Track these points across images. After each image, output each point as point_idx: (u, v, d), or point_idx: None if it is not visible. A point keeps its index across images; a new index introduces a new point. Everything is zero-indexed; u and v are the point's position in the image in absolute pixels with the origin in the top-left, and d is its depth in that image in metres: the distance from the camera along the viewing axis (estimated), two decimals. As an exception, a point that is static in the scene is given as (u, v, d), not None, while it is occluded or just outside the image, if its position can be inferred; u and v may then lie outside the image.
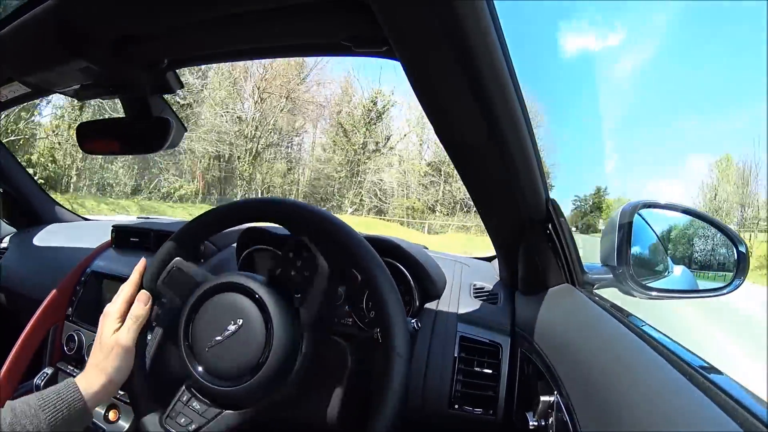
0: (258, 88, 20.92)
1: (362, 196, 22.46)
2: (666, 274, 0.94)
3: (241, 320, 0.66)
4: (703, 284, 0.93)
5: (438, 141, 0.71)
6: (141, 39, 0.77)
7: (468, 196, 0.85)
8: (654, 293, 0.85)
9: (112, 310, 0.73)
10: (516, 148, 0.68)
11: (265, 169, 21.79)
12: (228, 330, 0.66)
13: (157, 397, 0.74)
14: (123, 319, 0.72)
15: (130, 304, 0.73)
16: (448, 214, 22.76)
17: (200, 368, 0.67)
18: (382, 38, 0.62)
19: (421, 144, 23.33)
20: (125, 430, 1.00)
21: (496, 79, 0.56)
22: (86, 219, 1.87)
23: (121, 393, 0.97)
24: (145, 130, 0.93)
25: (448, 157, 0.73)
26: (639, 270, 0.85)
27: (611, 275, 0.86)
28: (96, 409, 0.70)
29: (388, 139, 23.08)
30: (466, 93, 0.57)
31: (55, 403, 0.63)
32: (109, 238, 1.36)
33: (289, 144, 23.34)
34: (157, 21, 0.69)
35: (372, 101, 22.81)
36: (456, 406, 0.87)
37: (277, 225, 0.75)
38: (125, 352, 0.70)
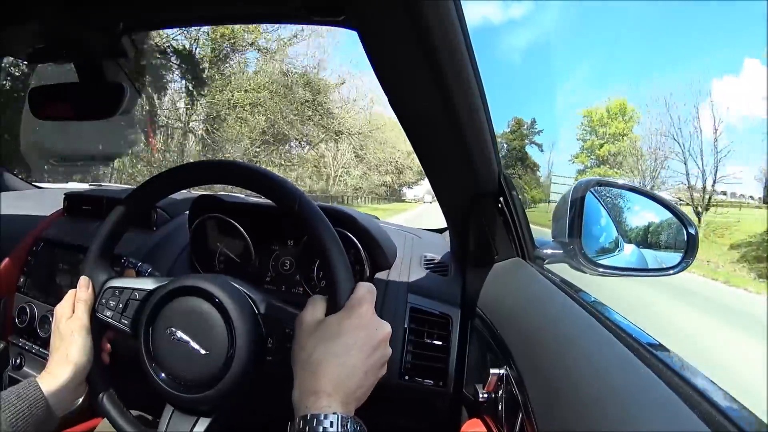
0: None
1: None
2: (616, 251, 0.95)
3: (201, 326, 0.65)
4: (652, 263, 0.95)
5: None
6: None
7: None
8: (604, 270, 0.86)
9: (60, 307, 0.73)
10: (469, 120, 0.68)
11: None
12: (189, 339, 0.65)
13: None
14: (73, 311, 0.72)
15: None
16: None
17: (162, 374, 0.66)
18: (339, 6, 0.62)
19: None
20: None
21: (451, 50, 0.56)
22: (38, 187, 1.80)
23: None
24: (99, 95, 0.90)
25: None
26: (590, 247, 0.86)
27: (562, 251, 0.87)
28: None
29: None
30: (421, 63, 0.57)
31: (15, 403, 0.62)
32: (61, 206, 1.32)
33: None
34: None
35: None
36: (406, 377, 0.88)
37: (229, 193, 0.74)
38: (83, 331, 0.70)
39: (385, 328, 0.62)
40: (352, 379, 0.56)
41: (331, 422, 0.51)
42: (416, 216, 22.19)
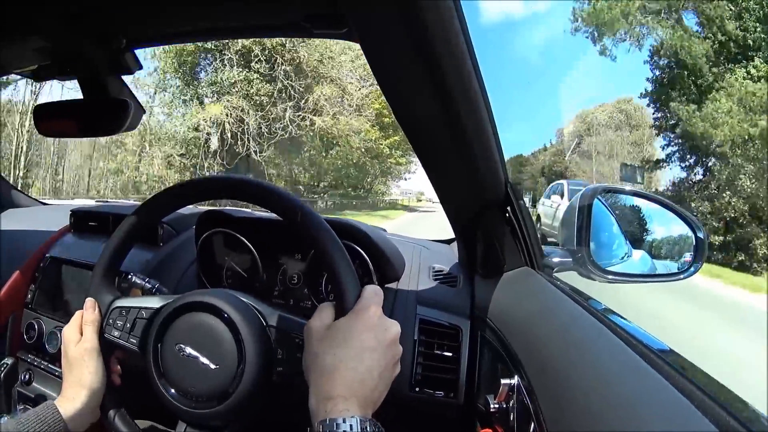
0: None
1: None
2: (625, 258, 0.95)
3: (210, 341, 0.65)
4: (661, 269, 0.94)
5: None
6: (97, 12, 0.75)
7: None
8: (613, 277, 0.86)
9: (68, 330, 0.72)
10: (475, 130, 0.68)
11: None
12: (198, 354, 0.65)
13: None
14: (81, 333, 0.72)
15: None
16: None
17: (172, 390, 0.66)
18: (341, 18, 0.62)
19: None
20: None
21: (456, 60, 0.56)
22: (44, 203, 1.80)
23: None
24: (103, 112, 0.90)
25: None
26: (598, 254, 0.86)
27: (571, 259, 0.87)
28: None
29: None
30: (425, 75, 0.57)
31: (35, 425, 0.62)
32: (67, 222, 1.32)
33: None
34: None
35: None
36: (417, 389, 0.87)
37: (235, 208, 0.74)
38: (94, 353, 0.70)
39: (394, 327, 0.63)
40: (367, 382, 0.57)
41: (351, 426, 0.51)
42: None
